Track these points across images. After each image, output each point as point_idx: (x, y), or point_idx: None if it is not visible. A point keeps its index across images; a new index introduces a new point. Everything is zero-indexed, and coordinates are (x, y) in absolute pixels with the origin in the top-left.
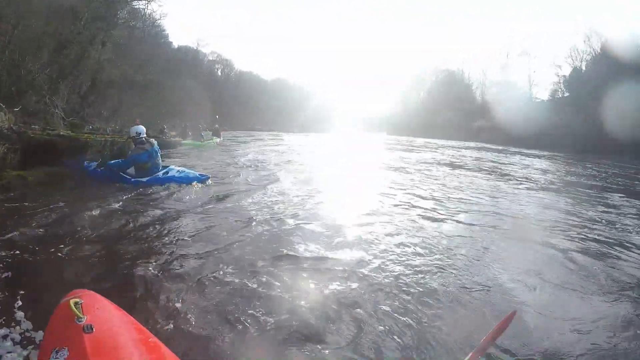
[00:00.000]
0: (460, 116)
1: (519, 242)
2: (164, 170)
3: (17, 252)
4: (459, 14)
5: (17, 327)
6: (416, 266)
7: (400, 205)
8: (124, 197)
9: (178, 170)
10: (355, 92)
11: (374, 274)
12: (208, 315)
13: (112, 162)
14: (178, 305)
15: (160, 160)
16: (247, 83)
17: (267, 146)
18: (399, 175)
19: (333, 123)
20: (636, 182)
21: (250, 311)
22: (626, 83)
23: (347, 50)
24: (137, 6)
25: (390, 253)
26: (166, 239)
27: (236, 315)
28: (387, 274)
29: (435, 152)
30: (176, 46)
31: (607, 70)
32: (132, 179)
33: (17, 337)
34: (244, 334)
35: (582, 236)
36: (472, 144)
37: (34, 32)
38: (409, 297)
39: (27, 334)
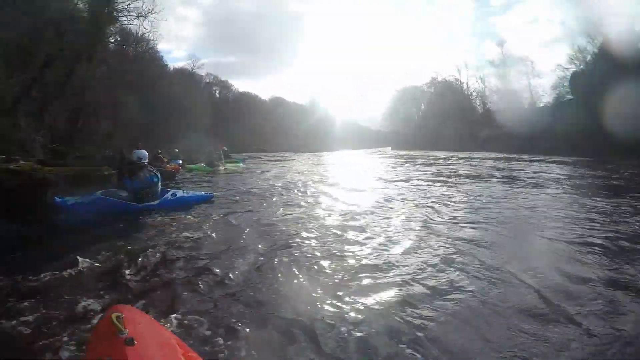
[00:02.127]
0: (463, 127)
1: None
2: (171, 192)
3: (59, 272)
4: (454, 19)
5: (61, 339)
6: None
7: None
8: (140, 223)
9: (184, 192)
10: (356, 107)
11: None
12: (244, 329)
13: (130, 184)
14: (211, 318)
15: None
16: (246, 104)
17: (285, 167)
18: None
19: (336, 141)
20: None
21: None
22: (631, 81)
23: (343, 64)
24: (128, 25)
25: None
26: (195, 258)
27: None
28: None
29: (449, 165)
30: (172, 68)
31: (612, 69)
32: (140, 205)
33: (62, 350)
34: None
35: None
36: (481, 154)
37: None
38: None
39: (69, 346)
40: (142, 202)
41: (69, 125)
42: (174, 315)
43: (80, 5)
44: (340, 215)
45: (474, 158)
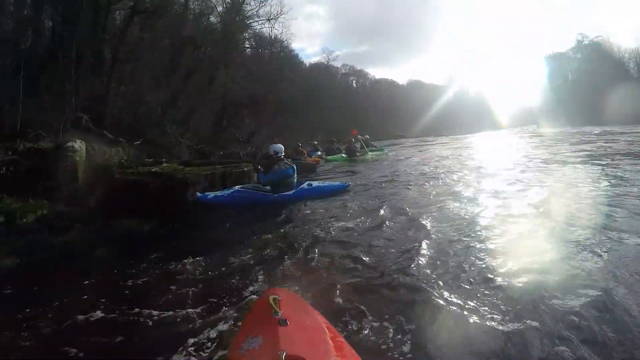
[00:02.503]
0: (616, 96)
1: None
2: (307, 183)
3: (215, 260)
4: None
5: (219, 315)
6: None
7: None
8: (281, 213)
9: (319, 182)
10: (496, 84)
11: None
12: (402, 324)
13: (265, 177)
14: (367, 309)
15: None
16: (383, 90)
17: (426, 153)
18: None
19: (477, 122)
20: None
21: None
22: None
23: (482, 37)
24: (260, 29)
25: None
26: (344, 246)
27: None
28: None
29: (607, 142)
30: (307, 65)
31: None
32: (275, 195)
33: (218, 323)
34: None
35: None
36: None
37: (152, 64)
38: None
39: (226, 321)
40: (279, 192)
41: (213, 127)
42: (329, 301)
43: (213, 19)
44: (498, 206)
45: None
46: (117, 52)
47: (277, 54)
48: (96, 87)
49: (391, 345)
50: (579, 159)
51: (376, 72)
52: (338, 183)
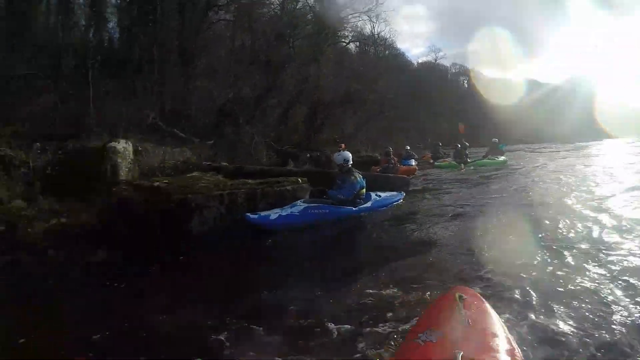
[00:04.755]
0: None
1: None
2: (375, 193)
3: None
4: None
5: (399, 305)
6: None
7: None
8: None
9: (385, 192)
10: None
11: None
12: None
13: (340, 192)
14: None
15: None
16: (497, 90)
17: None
18: None
19: (607, 127)
20: None
21: None
22: None
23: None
24: (355, 23)
25: None
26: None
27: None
28: None
29: None
30: (415, 64)
31: None
32: (355, 208)
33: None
34: None
35: None
36: None
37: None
38: None
39: (406, 311)
40: (356, 205)
41: (306, 126)
42: (514, 309)
43: (309, 17)
44: None
45: None
46: (194, 49)
47: (382, 52)
48: (174, 84)
49: None
50: None
51: (490, 72)
52: (396, 193)
